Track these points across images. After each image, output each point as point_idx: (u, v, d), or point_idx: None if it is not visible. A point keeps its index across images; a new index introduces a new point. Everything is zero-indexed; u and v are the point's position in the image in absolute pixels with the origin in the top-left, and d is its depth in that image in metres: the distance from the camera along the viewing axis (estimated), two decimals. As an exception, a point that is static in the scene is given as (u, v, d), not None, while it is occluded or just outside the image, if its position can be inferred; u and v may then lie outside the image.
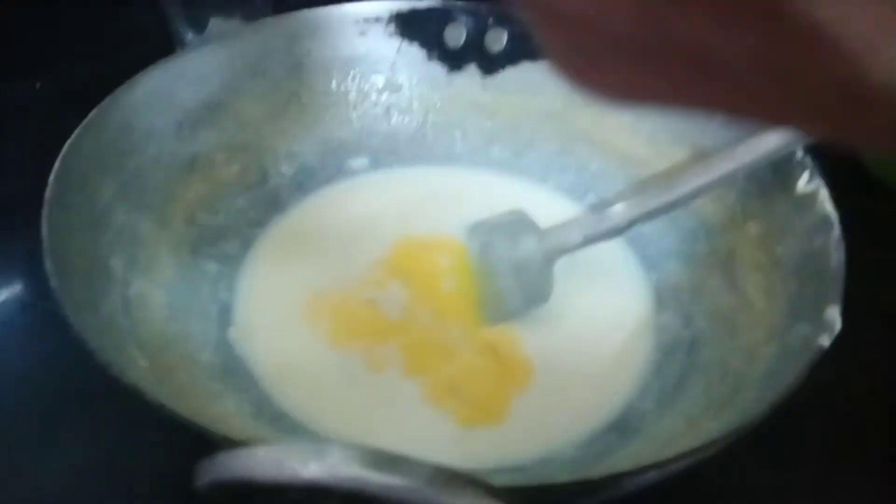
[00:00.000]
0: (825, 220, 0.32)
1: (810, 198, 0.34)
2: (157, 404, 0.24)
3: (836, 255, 0.31)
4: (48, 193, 0.30)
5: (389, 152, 0.46)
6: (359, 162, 0.45)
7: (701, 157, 0.40)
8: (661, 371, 0.34)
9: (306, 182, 0.43)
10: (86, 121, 0.34)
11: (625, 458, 0.30)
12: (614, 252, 0.41)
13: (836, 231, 0.32)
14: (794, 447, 0.33)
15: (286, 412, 0.32)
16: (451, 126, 0.46)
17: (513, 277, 0.37)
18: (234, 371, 0.34)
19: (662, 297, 0.38)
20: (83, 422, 0.33)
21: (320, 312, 0.37)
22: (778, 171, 0.36)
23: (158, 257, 0.36)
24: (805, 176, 0.35)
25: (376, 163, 0.45)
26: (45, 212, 0.29)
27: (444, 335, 0.36)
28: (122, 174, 0.36)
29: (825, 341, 0.27)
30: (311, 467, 0.16)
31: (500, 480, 0.29)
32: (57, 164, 0.32)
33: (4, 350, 0.36)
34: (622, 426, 0.32)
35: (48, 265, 0.28)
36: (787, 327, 0.31)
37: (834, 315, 0.28)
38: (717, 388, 0.31)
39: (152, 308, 0.33)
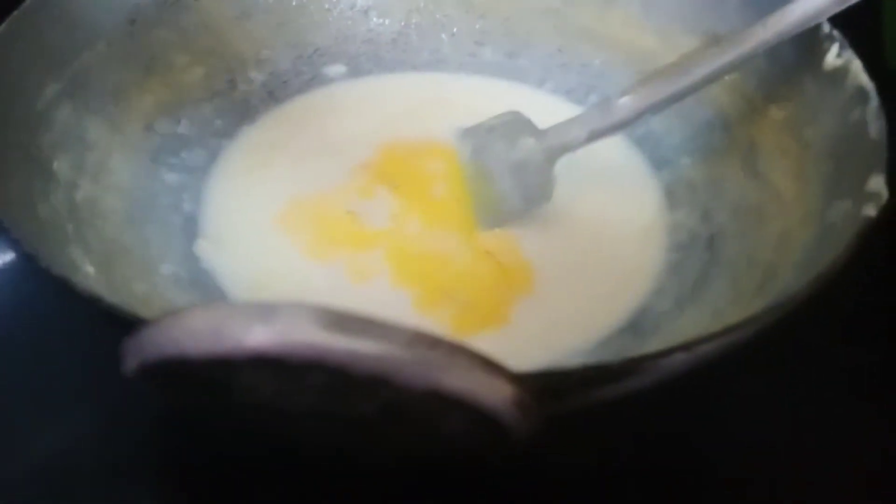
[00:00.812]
0: (861, 92, 0.29)
1: (841, 72, 0.30)
2: (91, 295, 0.20)
3: (875, 124, 0.27)
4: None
5: (369, 58, 0.41)
6: (335, 69, 0.41)
7: (715, 43, 0.36)
8: (678, 269, 0.31)
9: (278, 90, 0.39)
10: (19, 10, 0.30)
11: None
12: (620, 152, 0.37)
13: (875, 101, 0.28)
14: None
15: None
16: (437, 27, 0.42)
17: (510, 178, 0.34)
18: (201, 285, 0.30)
19: (675, 195, 0.35)
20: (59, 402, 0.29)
21: (297, 223, 0.33)
22: (802, 48, 0.32)
23: (111, 163, 0.32)
24: (834, 49, 0.31)
25: (355, 70, 0.41)
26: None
27: (434, 242, 0.33)
28: (67, 71, 0.31)
29: (871, 211, 0.24)
30: (256, 332, 0.13)
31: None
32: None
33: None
34: (636, 328, 0.29)
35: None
36: (824, 208, 0.27)
37: (879, 184, 0.25)
38: (745, 280, 0.28)
39: (103, 213, 0.29)
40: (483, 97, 0.41)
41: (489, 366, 0.14)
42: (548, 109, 0.40)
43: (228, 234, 0.32)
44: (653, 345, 0.27)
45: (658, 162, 0.36)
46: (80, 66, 0.32)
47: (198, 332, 0.13)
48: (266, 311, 0.13)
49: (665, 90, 0.34)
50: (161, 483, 0.27)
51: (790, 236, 0.28)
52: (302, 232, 0.33)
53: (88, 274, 0.25)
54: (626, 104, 0.34)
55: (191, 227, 0.32)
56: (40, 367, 0.30)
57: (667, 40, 0.38)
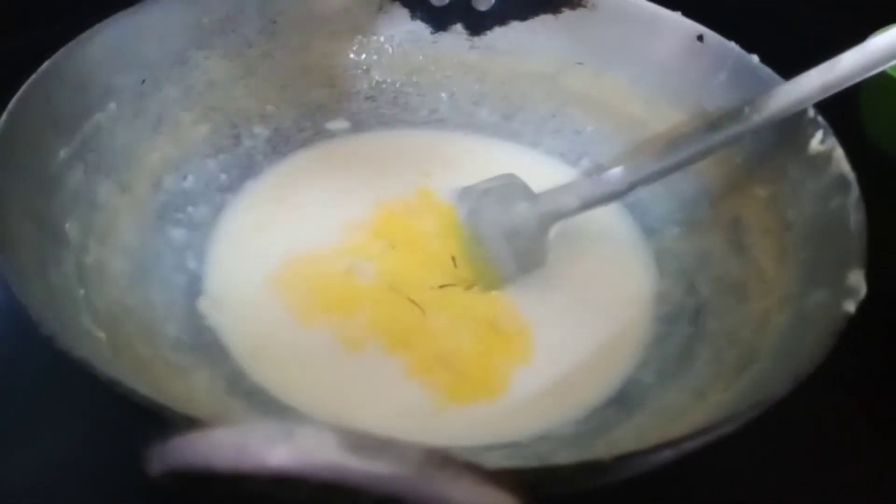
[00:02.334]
0: (842, 181, 0.30)
1: (824, 157, 0.32)
2: (109, 379, 0.21)
3: (855, 216, 0.29)
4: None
5: (370, 114, 0.43)
6: (338, 124, 0.42)
7: (703, 119, 0.38)
8: (663, 341, 0.32)
9: (281, 145, 0.41)
10: (35, 75, 0.31)
11: (627, 433, 0.28)
12: (613, 217, 0.38)
13: (855, 191, 0.29)
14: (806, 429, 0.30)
15: (262, 387, 0.30)
16: (437, 87, 0.44)
17: (504, 244, 0.35)
18: (204, 345, 0.31)
19: (663, 265, 0.36)
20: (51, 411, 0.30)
21: (296, 282, 0.34)
22: (788, 131, 0.34)
23: (119, 223, 0.33)
24: (818, 135, 0.32)
25: (357, 125, 0.42)
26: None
27: (431, 305, 0.33)
28: (79, 134, 0.32)
29: (850, 307, 0.25)
30: (279, 452, 0.14)
31: (494, 458, 0.27)
32: (2, 120, 0.29)
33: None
34: (623, 399, 0.30)
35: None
36: (802, 293, 0.28)
37: (858, 280, 0.26)
38: (726, 358, 0.29)
39: (111, 276, 0.30)
40: (480, 155, 0.42)
41: (494, 479, 0.15)
42: (542, 170, 0.42)
43: (230, 292, 0.33)
44: (637, 420, 0.28)
45: (647, 229, 0.38)
46: (92, 127, 0.33)
47: (224, 449, 0.14)
48: (288, 431, 0.14)
49: (655, 164, 0.35)
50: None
51: (770, 319, 0.29)
52: (298, 293, 0.33)
53: (99, 340, 0.26)
54: (617, 176, 0.35)
55: (194, 286, 0.33)
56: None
57: (654, 110, 0.40)
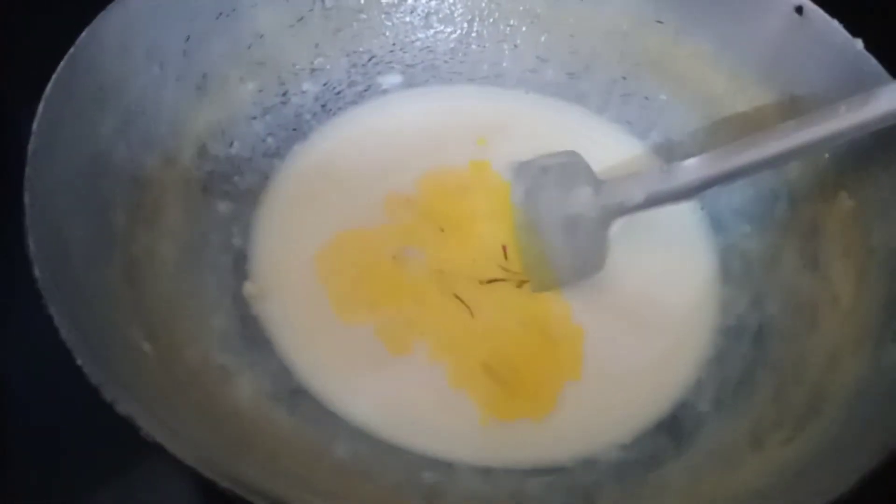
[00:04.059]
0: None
1: (923, 178, 0.29)
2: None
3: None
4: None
5: (426, 68, 0.40)
6: (391, 79, 0.40)
7: (792, 105, 0.34)
8: (722, 361, 0.31)
9: (331, 103, 0.38)
10: (73, 49, 0.29)
11: (677, 473, 0.27)
12: (681, 206, 0.36)
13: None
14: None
15: (305, 388, 0.30)
16: (499, 39, 0.40)
17: (562, 235, 0.33)
18: (250, 338, 0.30)
19: (729, 267, 0.34)
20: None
21: (341, 267, 0.33)
22: (887, 137, 0.30)
23: (165, 201, 0.31)
24: (918, 151, 0.29)
25: (411, 80, 0.40)
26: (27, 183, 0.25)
27: (480, 306, 0.32)
28: (122, 104, 0.31)
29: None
30: None
31: (535, 487, 0.27)
32: (44, 102, 0.27)
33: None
34: (674, 428, 0.29)
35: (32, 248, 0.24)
36: (879, 341, 0.27)
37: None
38: (790, 397, 0.28)
39: (158, 265, 0.29)
40: (541, 122, 0.40)
41: None
42: (607, 142, 0.39)
43: (274, 278, 0.33)
44: (689, 457, 0.28)
45: (716, 223, 0.36)
46: (135, 94, 0.31)
47: None
48: None
49: (733, 161, 0.32)
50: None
51: (842, 361, 0.27)
52: (343, 282, 0.32)
53: (147, 353, 0.26)
54: (690, 169, 0.33)
55: (240, 267, 0.33)
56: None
57: (738, 87, 0.36)
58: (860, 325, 0.28)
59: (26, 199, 0.25)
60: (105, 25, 0.30)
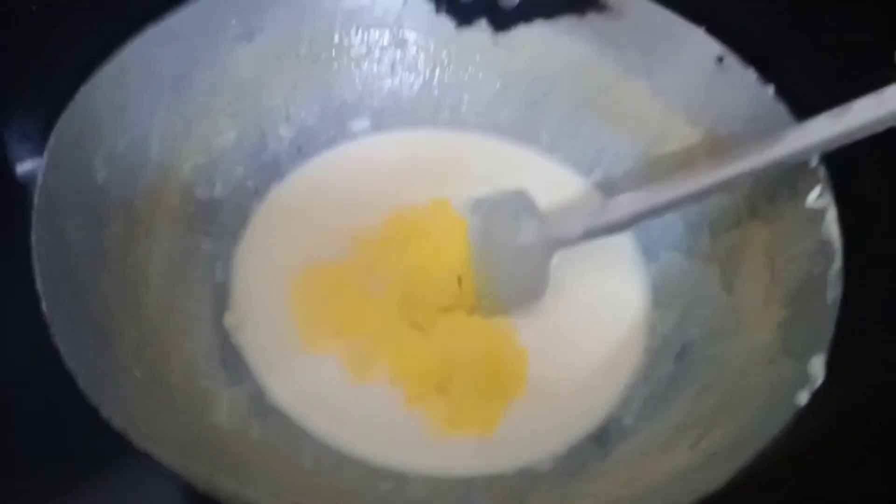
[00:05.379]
0: (827, 247, 0.31)
1: (817, 215, 0.33)
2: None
3: (832, 291, 0.30)
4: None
5: (392, 113, 0.44)
6: (360, 123, 0.44)
7: (714, 144, 0.38)
8: (648, 377, 0.35)
9: (305, 146, 0.42)
10: (71, 105, 0.33)
11: (599, 475, 0.31)
12: (616, 237, 0.40)
13: (838, 263, 0.30)
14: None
15: (278, 408, 0.34)
16: (459, 86, 0.44)
17: (510, 266, 0.37)
18: (229, 363, 0.34)
19: (658, 292, 0.38)
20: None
21: (310, 299, 0.37)
22: (791, 175, 0.34)
23: (153, 241, 0.35)
24: (816, 190, 0.33)
25: (378, 124, 0.44)
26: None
27: (435, 325, 0.36)
28: (116, 147, 0.35)
29: (802, 398, 0.27)
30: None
31: (477, 488, 0.30)
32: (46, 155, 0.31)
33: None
34: (603, 438, 0.33)
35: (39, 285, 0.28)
36: (773, 359, 0.30)
37: (818, 367, 0.28)
38: (702, 406, 0.31)
39: (150, 277, 0.33)
40: (496, 160, 0.44)
41: None
42: (556, 179, 0.43)
43: (250, 309, 0.36)
44: (614, 456, 0.31)
45: (648, 252, 0.39)
46: (126, 144, 0.35)
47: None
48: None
49: (660, 196, 0.36)
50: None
51: (748, 373, 0.31)
52: (312, 312, 0.36)
53: (137, 376, 0.30)
54: (623, 204, 0.36)
55: (221, 300, 0.36)
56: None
57: (671, 125, 0.40)
58: (762, 342, 0.32)
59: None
60: (101, 86, 0.34)
